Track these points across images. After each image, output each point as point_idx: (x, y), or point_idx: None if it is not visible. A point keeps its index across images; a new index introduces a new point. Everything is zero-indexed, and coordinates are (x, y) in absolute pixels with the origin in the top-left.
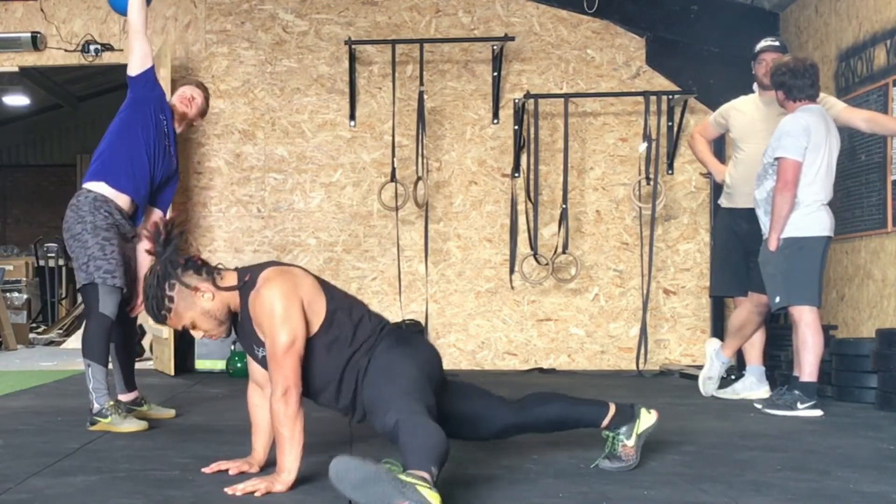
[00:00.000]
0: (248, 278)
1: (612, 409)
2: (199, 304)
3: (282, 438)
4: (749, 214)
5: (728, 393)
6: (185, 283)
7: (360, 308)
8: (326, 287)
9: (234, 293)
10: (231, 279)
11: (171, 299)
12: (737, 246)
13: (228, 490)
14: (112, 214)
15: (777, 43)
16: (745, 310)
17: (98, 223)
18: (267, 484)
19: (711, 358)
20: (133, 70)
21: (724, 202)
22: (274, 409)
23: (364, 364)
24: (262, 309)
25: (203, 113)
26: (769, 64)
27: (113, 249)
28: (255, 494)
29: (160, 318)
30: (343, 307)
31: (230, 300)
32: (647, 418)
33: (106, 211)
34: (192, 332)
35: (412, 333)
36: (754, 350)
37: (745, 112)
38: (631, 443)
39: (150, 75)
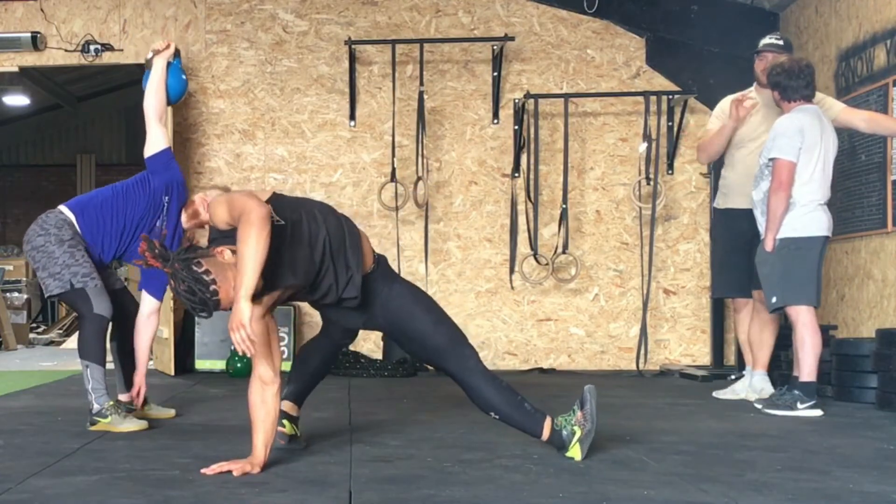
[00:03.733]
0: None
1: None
2: (227, 261)
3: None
4: (749, 214)
5: (727, 393)
6: (204, 255)
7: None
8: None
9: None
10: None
11: (209, 273)
12: (739, 247)
13: (204, 470)
14: (77, 236)
15: (781, 42)
16: (757, 318)
17: (63, 237)
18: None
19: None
20: (146, 153)
21: (720, 203)
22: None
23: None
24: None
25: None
26: (769, 63)
27: (83, 255)
28: (234, 474)
29: (213, 303)
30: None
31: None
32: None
33: (72, 231)
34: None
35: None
36: (761, 352)
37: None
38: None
39: (161, 159)
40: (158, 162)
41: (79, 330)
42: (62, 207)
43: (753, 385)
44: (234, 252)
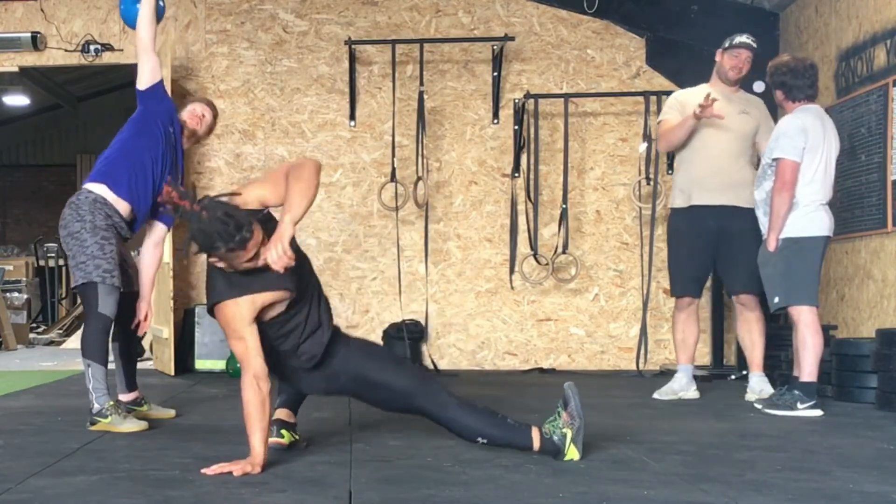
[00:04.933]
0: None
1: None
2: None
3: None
4: (717, 212)
5: (666, 394)
6: (229, 195)
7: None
8: None
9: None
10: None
11: (239, 209)
12: (702, 245)
13: (205, 470)
14: (111, 216)
15: (755, 45)
16: (742, 319)
17: (97, 223)
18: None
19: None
20: (142, 84)
21: (679, 202)
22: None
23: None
24: None
25: (210, 130)
26: (742, 62)
27: (112, 249)
28: (235, 474)
29: (248, 232)
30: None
31: None
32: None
33: (105, 212)
34: (258, 262)
35: None
36: (753, 354)
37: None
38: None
39: (158, 89)
40: (157, 91)
41: (83, 328)
42: (90, 186)
43: (752, 386)
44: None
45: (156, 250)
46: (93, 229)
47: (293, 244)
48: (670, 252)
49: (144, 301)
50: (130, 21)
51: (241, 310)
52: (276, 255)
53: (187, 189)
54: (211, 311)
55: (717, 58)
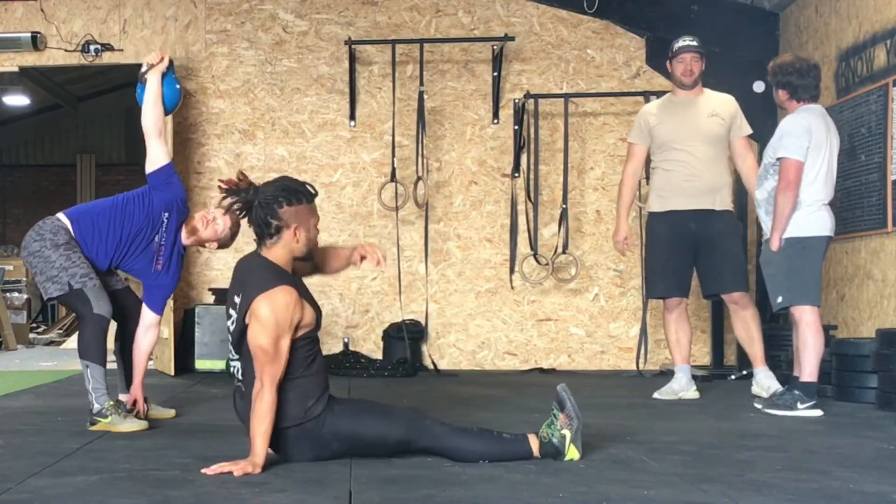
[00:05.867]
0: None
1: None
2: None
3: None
4: (696, 216)
5: (666, 394)
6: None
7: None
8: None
9: None
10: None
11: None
12: (682, 249)
13: (205, 470)
14: (72, 240)
15: (696, 44)
16: (737, 318)
17: (58, 241)
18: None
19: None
20: (147, 168)
21: (656, 206)
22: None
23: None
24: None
25: (222, 244)
26: (689, 65)
27: (79, 256)
28: (235, 474)
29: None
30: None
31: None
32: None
33: (67, 235)
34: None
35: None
36: (754, 349)
37: (667, 117)
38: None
39: (162, 175)
40: (159, 179)
41: (79, 330)
42: (59, 215)
43: (760, 382)
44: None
45: (148, 333)
46: (53, 246)
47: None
48: (650, 255)
49: (136, 387)
50: (141, 103)
51: (292, 298)
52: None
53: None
54: (248, 303)
55: (668, 68)
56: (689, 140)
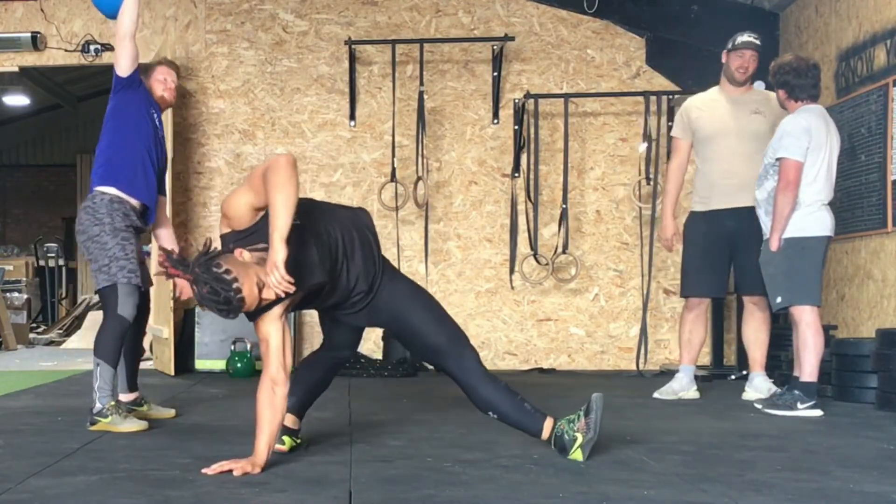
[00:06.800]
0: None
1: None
2: (246, 261)
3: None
4: (734, 214)
5: (666, 394)
6: (222, 256)
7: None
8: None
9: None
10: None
11: (229, 272)
12: (721, 248)
13: (205, 470)
14: (129, 215)
15: (759, 42)
16: (752, 319)
17: (116, 224)
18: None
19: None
20: (123, 71)
21: (699, 207)
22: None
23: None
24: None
25: (175, 93)
26: (747, 61)
27: (132, 249)
28: (235, 474)
29: (237, 301)
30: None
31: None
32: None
33: (122, 212)
34: (265, 296)
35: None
36: (758, 353)
37: (709, 111)
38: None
39: (136, 76)
40: (136, 78)
41: (100, 327)
42: (100, 188)
43: (756, 386)
44: (252, 252)
45: (167, 223)
46: (112, 231)
47: (300, 231)
48: (686, 253)
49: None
50: (107, 9)
51: (273, 310)
52: (276, 281)
53: (181, 256)
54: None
55: (723, 59)
56: (727, 136)
